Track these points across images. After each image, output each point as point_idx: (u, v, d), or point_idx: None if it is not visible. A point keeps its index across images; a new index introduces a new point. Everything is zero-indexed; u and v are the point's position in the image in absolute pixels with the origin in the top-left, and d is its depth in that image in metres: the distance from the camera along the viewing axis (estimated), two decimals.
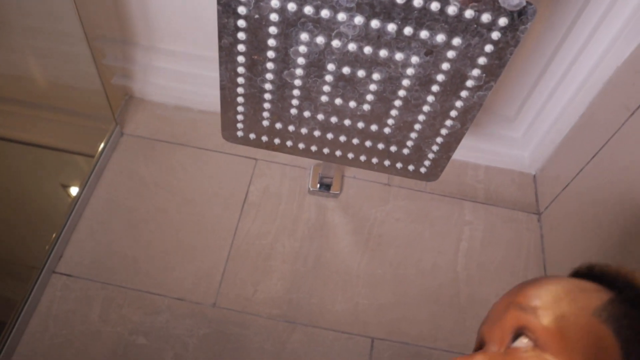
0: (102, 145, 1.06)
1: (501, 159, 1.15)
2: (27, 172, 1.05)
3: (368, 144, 0.75)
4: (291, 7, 0.59)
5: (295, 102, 0.71)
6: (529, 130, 1.11)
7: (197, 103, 1.15)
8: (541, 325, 0.33)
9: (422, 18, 0.57)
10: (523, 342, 0.34)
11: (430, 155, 0.75)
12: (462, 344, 0.92)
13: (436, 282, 0.98)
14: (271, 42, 0.63)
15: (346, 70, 0.65)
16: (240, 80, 0.69)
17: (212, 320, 0.91)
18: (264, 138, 0.79)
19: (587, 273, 0.40)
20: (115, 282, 0.93)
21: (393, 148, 0.75)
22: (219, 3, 0.60)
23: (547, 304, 0.34)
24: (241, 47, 0.65)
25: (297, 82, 0.68)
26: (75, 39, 0.97)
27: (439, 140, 0.72)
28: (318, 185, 1.07)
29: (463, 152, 1.15)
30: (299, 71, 0.66)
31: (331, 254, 1.00)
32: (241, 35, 0.63)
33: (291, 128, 0.75)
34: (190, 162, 1.08)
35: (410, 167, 0.78)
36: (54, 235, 0.94)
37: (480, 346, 0.39)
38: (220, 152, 1.10)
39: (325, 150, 0.79)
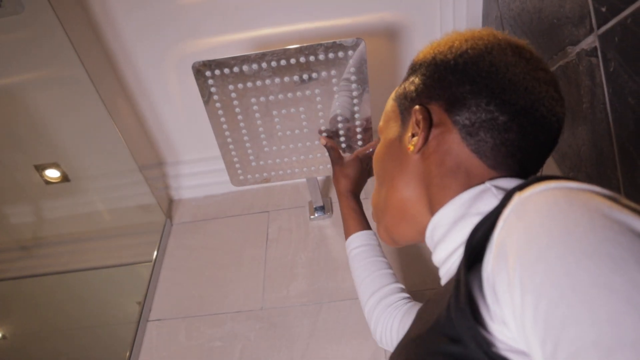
0: (160, 235, 1.49)
1: None
2: (115, 256, 1.50)
3: (319, 155, 1.17)
4: (240, 86, 1.05)
5: (264, 142, 1.14)
6: None
7: (218, 189, 1.60)
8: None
9: (309, 66, 1.01)
10: None
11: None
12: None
13: (413, 248, 1.33)
14: (237, 109, 1.08)
15: (284, 111, 1.09)
16: (229, 140, 1.14)
17: (262, 318, 1.26)
18: (257, 176, 1.21)
19: None
20: (191, 314, 1.30)
21: (317, 142, 1.16)
22: (203, 96, 1.06)
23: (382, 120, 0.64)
24: (223, 119, 1.10)
25: (260, 129, 1.12)
26: (132, 172, 1.45)
27: (358, 136, 1.14)
28: (315, 214, 1.46)
29: None
30: (258, 122, 1.10)
31: (335, 253, 1.36)
32: (220, 112, 1.09)
33: (270, 162, 1.18)
34: (222, 227, 1.50)
35: (343, 145, 1.19)
36: (143, 296, 1.34)
37: None
38: (241, 215, 1.52)
39: (297, 170, 1.20)
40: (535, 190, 0.34)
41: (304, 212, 1.49)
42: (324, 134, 1.13)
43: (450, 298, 0.39)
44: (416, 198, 0.54)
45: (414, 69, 0.56)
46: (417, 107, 0.52)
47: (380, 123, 0.63)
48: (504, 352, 0.35)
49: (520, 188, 0.37)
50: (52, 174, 1.61)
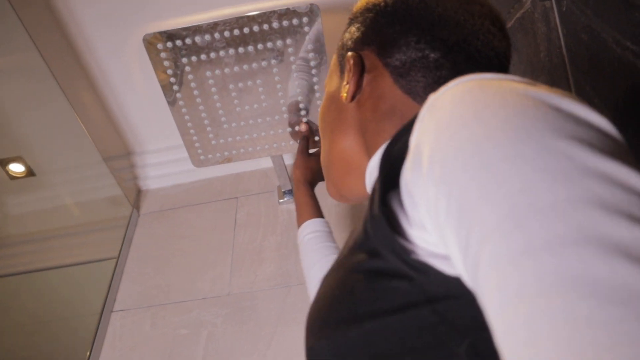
0: (127, 224, 1.45)
1: None
2: (81, 252, 1.45)
3: (280, 131, 1.13)
4: (194, 59, 1.01)
5: (223, 119, 1.11)
6: None
7: (184, 178, 1.55)
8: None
9: (263, 36, 0.98)
10: None
11: None
12: None
13: None
14: (192, 84, 1.05)
15: (241, 85, 1.05)
16: (187, 117, 1.10)
17: (229, 304, 1.22)
18: (218, 155, 1.17)
19: None
20: (157, 303, 1.25)
21: (297, 128, 1.13)
22: (156, 71, 1.02)
23: None
24: (179, 95, 1.06)
25: (218, 105, 1.08)
26: (98, 164, 1.40)
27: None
28: (284, 197, 1.42)
29: None
30: (215, 97, 1.07)
31: None
32: (176, 88, 1.05)
33: (230, 139, 1.14)
34: (190, 215, 1.46)
35: (317, 138, 1.15)
36: (107, 287, 1.29)
37: None
38: (209, 202, 1.48)
39: (259, 148, 1.17)
40: (449, 86, 0.31)
41: (272, 197, 1.45)
42: (303, 120, 1.13)
43: (366, 213, 0.37)
44: (357, 147, 0.53)
45: (351, 20, 0.55)
46: (349, 53, 0.50)
47: (326, 79, 0.61)
48: (424, 258, 0.33)
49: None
50: (17, 168, 1.55)
